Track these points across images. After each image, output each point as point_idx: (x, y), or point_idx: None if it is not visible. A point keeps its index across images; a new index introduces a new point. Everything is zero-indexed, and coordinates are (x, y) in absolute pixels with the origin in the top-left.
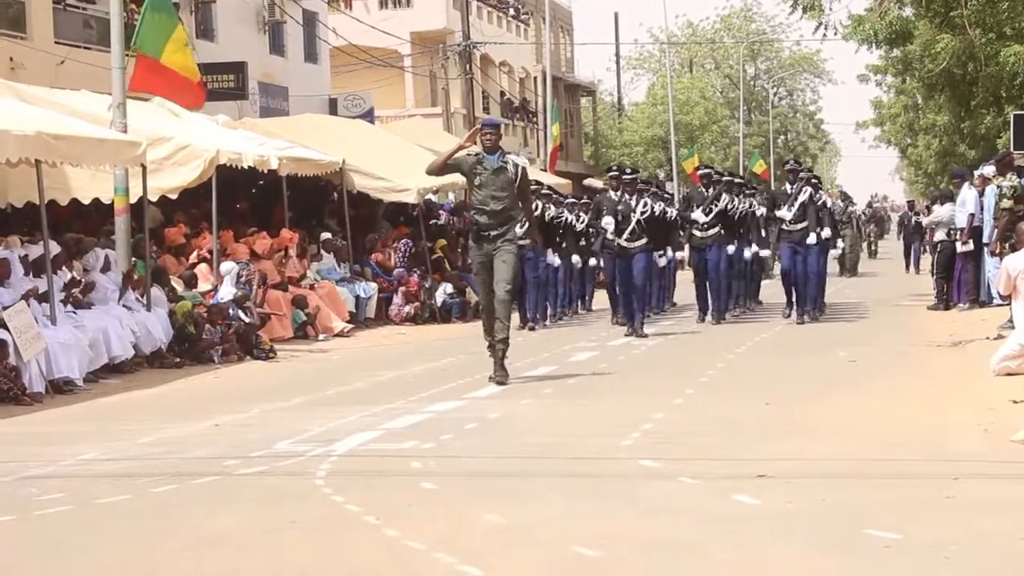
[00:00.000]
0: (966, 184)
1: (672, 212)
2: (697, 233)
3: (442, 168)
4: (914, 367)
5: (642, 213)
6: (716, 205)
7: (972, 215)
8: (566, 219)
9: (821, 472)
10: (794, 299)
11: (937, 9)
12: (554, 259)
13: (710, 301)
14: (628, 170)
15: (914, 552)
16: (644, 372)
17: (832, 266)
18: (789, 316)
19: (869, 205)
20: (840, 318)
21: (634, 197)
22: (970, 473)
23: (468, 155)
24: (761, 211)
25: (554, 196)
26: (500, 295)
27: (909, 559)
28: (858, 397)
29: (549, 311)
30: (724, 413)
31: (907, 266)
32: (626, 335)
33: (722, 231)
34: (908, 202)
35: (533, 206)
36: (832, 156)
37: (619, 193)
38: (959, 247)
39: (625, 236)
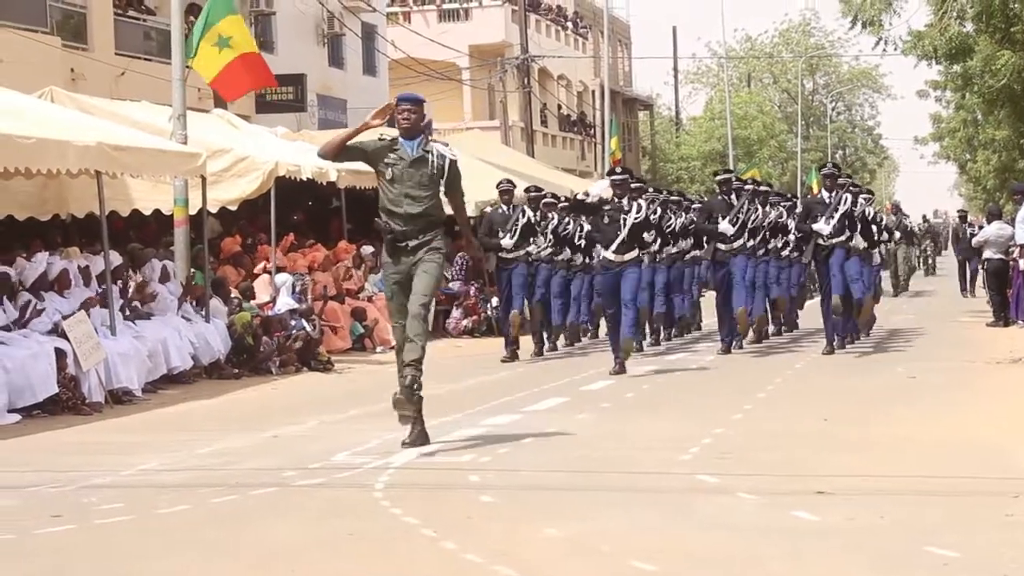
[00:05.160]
0: None
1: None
2: (722, 247)
3: (338, 150)
4: (974, 384)
5: (635, 220)
6: (742, 215)
7: None
8: (571, 230)
9: (881, 488)
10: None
11: (997, 25)
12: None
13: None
14: (618, 170)
15: (973, 570)
16: (703, 387)
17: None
18: (831, 351)
19: (924, 220)
20: (898, 335)
21: (624, 200)
22: None
23: (379, 139)
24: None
25: (559, 205)
26: (413, 309)
27: None
28: (917, 414)
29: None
30: (783, 428)
31: (962, 288)
32: (612, 373)
33: (747, 244)
34: (960, 213)
35: (469, 209)
36: (891, 172)
37: (612, 199)
38: (1022, 264)
39: (613, 248)
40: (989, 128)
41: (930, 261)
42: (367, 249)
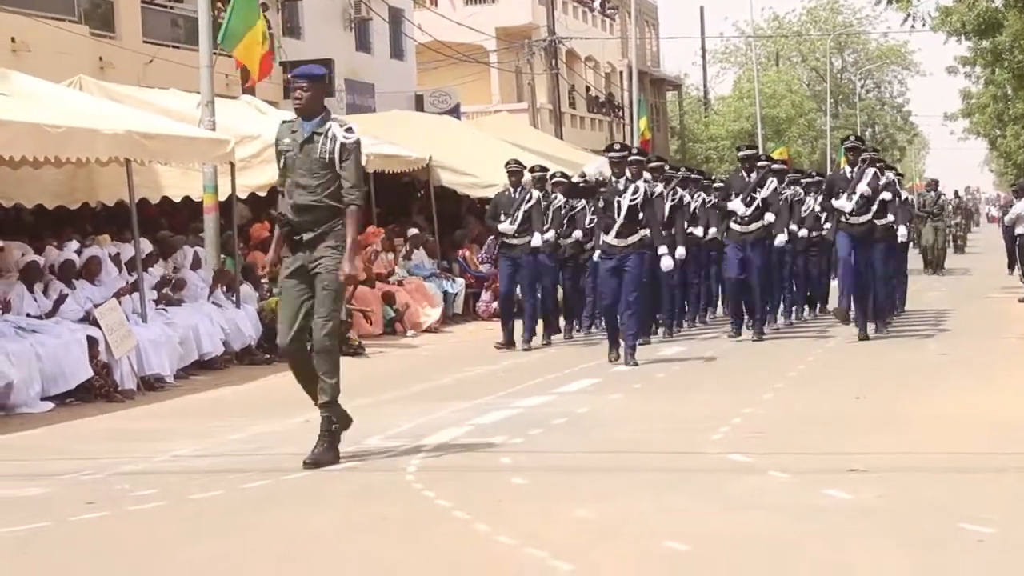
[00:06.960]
0: None
1: (693, 201)
2: (736, 227)
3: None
4: (1007, 360)
5: (631, 201)
6: (759, 193)
7: None
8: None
9: (913, 466)
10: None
11: None
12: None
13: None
14: (616, 146)
15: (1008, 546)
16: (733, 367)
17: (916, 262)
18: (865, 336)
19: (956, 195)
20: (929, 312)
21: (622, 180)
22: None
23: (282, 123)
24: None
25: (567, 185)
26: (318, 340)
27: (1002, 553)
28: (950, 390)
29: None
30: (814, 407)
31: (1010, 264)
32: (611, 360)
33: (766, 224)
34: (1014, 188)
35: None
36: (920, 149)
37: (610, 179)
38: None
39: (614, 232)
40: (1019, 103)
41: (960, 239)
42: (411, 231)
